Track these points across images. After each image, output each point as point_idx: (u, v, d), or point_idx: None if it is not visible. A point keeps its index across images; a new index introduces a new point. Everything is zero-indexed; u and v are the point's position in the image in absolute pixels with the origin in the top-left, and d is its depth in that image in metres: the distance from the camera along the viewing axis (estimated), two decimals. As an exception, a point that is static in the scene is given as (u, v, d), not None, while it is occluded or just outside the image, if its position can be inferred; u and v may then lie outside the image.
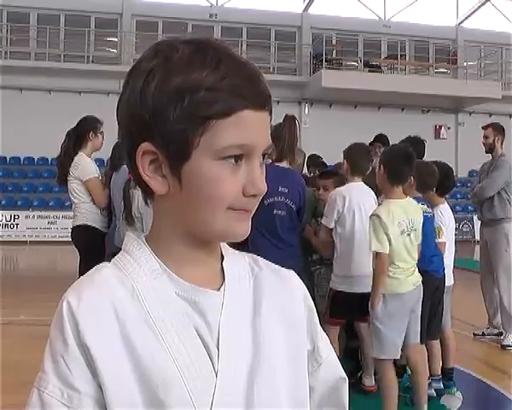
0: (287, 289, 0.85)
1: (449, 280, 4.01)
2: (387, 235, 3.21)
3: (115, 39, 18.12)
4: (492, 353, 5.32)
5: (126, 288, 0.73)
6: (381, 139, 5.60)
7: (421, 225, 3.40)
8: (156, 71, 0.72)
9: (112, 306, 0.72)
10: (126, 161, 0.78)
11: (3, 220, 14.87)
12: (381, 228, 3.21)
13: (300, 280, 0.89)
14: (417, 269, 3.44)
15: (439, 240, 3.89)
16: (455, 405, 3.89)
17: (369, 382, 3.85)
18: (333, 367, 0.89)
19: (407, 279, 3.34)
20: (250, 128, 0.71)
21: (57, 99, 16.30)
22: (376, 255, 3.26)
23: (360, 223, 3.72)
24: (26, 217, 15.07)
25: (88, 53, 17.47)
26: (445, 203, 4.12)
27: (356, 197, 3.75)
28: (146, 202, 0.80)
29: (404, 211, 3.31)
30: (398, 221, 3.24)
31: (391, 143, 5.81)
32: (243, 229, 0.75)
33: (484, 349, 5.48)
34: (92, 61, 17.52)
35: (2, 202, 15.32)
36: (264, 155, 0.76)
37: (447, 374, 3.99)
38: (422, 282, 3.52)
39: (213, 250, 0.80)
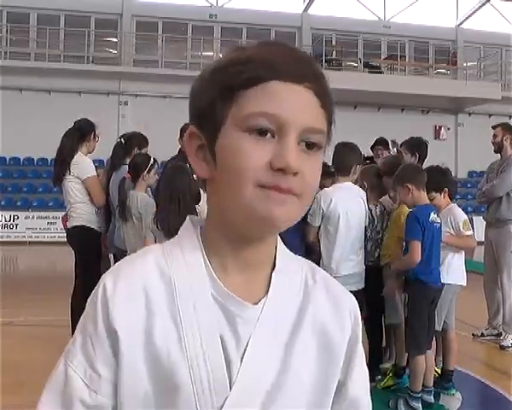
0: (337, 312, 0.79)
1: (458, 280, 4.02)
2: None
3: (115, 40, 18.12)
4: (492, 353, 5.32)
5: (164, 281, 0.73)
6: (381, 142, 5.69)
7: None
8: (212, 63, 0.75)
9: (144, 296, 0.72)
10: None
11: (3, 221, 14.86)
12: None
13: (356, 302, 0.82)
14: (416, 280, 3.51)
15: (469, 232, 3.98)
16: (454, 405, 3.88)
17: None
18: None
19: None
20: (278, 99, 0.68)
21: (57, 99, 16.29)
22: None
23: (344, 223, 3.73)
24: (26, 217, 15.07)
25: (88, 53, 17.46)
26: None
27: (341, 198, 3.76)
28: (204, 189, 0.79)
29: None
30: None
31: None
32: (276, 212, 0.68)
33: (483, 350, 5.48)
34: (92, 62, 17.51)
35: (2, 203, 15.30)
36: (311, 145, 0.70)
37: (447, 376, 3.98)
38: (419, 295, 3.52)
39: (262, 254, 0.76)
